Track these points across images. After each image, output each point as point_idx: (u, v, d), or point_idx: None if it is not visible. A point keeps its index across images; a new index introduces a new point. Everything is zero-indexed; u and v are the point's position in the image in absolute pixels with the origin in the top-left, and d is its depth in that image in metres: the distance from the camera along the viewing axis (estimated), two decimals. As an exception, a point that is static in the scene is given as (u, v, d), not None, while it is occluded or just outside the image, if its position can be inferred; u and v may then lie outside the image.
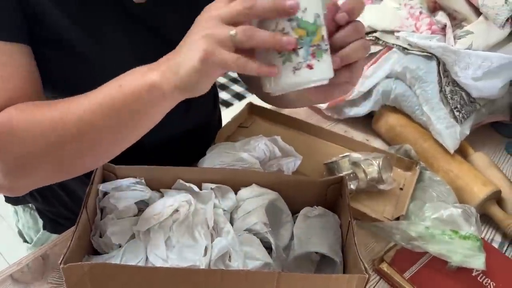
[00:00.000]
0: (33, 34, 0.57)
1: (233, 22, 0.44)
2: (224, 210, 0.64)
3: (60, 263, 0.49)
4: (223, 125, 0.89)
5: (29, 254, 0.65)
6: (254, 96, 0.83)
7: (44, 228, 0.81)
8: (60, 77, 0.61)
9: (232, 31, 0.43)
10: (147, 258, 0.56)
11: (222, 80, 2.52)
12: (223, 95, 2.46)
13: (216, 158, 0.72)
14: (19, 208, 0.83)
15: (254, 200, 0.64)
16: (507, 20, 0.82)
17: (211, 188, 0.65)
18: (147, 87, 0.48)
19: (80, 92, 0.55)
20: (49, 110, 0.51)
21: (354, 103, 0.93)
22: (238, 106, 2.01)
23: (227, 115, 0.92)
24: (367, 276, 0.51)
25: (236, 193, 0.66)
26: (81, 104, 0.50)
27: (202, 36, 0.44)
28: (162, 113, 0.52)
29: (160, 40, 0.64)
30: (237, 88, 2.53)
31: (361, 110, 0.92)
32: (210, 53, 0.43)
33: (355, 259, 0.54)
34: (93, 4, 0.58)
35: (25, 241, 0.87)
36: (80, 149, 0.52)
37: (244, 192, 0.65)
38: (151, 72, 0.48)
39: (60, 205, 0.78)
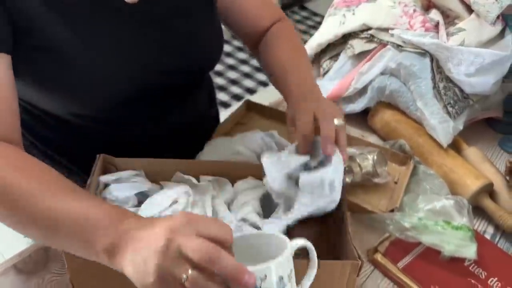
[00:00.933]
0: (21, 42, 0.57)
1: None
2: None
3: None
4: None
5: (31, 246, 0.67)
6: (252, 96, 0.84)
7: None
8: (47, 77, 0.61)
9: (185, 274, 0.39)
10: None
11: (221, 81, 2.54)
12: (222, 96, 2.48)
13: (214, 151, 0.74)
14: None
15: (249, 192, 0.66)
16: (497, 17, 0.84)
17: (209, 181, 0.66)
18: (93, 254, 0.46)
19: (65, 91, 0.57)
20: (15, 193, 0.48)
21: (349, 99, 0.95)
22: (237, 107, 2.01)
23: (226, 116, 0.93)
24: (360, 262, 0.53)
25: (233, 185, 0.67)
26: (43, 202, 0.47)
27: (158, 262, 0.39)
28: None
29: (151, 42, 0.65)
30: (235, 89, 2.55)
31: (357, 106, 0.94)
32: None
33: (349, 246, 0.56)
34: (84, 7, 0.59)
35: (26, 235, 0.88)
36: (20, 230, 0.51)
37: (240, 184, 0.67)
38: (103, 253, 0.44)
39: None
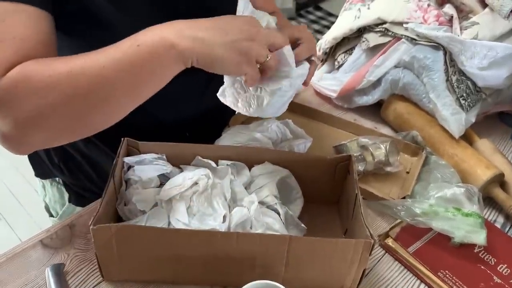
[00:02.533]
0: (58, 8, 0.58)
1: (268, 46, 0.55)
2: None
3: (90, 224, 0.54)
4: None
5: (57, 224, 0.71)
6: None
7: (70, 201, 0.86)
8: (83, 45, 0.62)
9: (268, 55, 0.54)
10: (169, 223, 0.61)
11: None
12: None
13: (232, 138, 0.76)
14: (47, 182, 0.88)
15: (266, 176, 0.69)
16: (511, 11, 0.85)
17: (227, 165, 0.69)
18: (167, 47, 0.52)
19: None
20: (65, 63, 0.52)
21: (363, 92, 0.97)
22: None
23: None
24: (372, 241, 0.55)
25: (250, 170, 0.70)
26: (98, 60, 0.52)
27: (246, 40, 0.53)
28: (173, 75, 0.56)
29: (182, 9, 0.67)
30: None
31: (370, 98, 0.96)
32: (245, 62, 0.53)
33: (361, 226, 0.58)
34: None
35: (51, 215, 0.92)
36: (92, 104, 0.54)
37: (257, 168, 0.70)
38: (173, 37, 0.52)
39: (86, 178, 0.83)
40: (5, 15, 0.53)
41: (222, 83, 0.87)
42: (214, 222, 0.60)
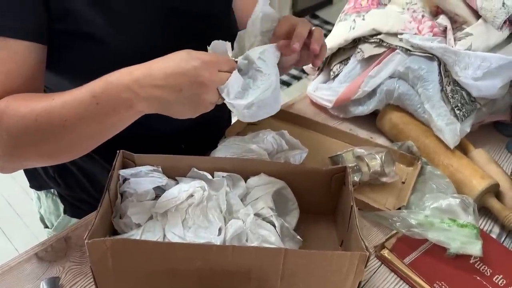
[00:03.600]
0: (55, 27, 0.60)
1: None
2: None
3: (85, 238, 0.54)
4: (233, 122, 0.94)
5: (52, 236, 0.71)
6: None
7: (65, 212, 0.86)
8: (79, 63, 0.65)
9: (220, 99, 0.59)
10: (164, 236, 0.61)
11: None
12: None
13: (228, 149, 0.77)
14: (42, 194, 0.88)
15: (262, 188, 0.69)
16: (504, 22, 0.86)
17: (223, 176, 0.69)
18: (126, 107, 0.56)
19: (95, 76, 0.60)
20: (32, 109, 0.57)
21: (359, 102, 0.97)
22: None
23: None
24: (368, 254, 0.55)
25: (245, 181, 0.70)
26: (61, 113, 0.56)
27: (198, 93, 0.56)
28: (133, 121, 0.61)
29: (178, 30, 0.69)
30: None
31: (366, 109, 0.96)
32: (201, 109, 0.59)
33: (357, 238, 0.58)
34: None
35: (46, 226, 0.92)
36: (58, 147, 0.60)
37: (253, 180, 0.70)
38: (132, 97, 0.55)
39: (81, 190, 0.83)
40: None
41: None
42: (209, 235, 0.60)
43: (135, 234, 0.61)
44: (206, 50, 0.61)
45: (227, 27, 0.79)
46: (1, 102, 0.58)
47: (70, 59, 0.64)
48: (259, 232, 0.62)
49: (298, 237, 0.66)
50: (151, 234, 0.61)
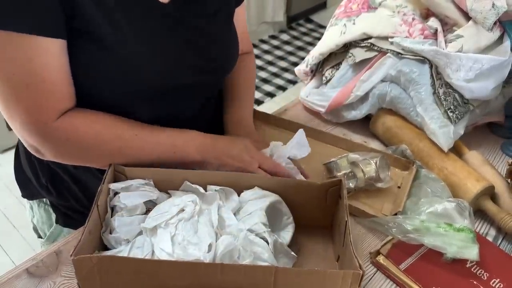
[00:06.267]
0: (69, 26, 0.61)
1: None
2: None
3: (71, 255, 0.53)
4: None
5: (43, 251, 0.70)
6: (260, 106, 0.88)
7: (57, 222, 0.85)
8: (85, 63, 0.65)
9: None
10: (153, 252, 0.60)
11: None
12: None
13: None
14: (34, 203, 0.87)
15: (256, 202, 0.67)
16: (495, 23, 0.85)
17: (216, 190, 0.68)
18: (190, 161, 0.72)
19: (100, 76, 0.65)
20: (114, 133, 0.67)
21: (351, 106, 0.96)
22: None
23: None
24: (361, 272, 0.54)
25: (239, 195, 0.69)
26: (141, 146, 0.69)
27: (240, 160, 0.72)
28: None
29: (180, 41, 0.70)
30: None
31: (359, 113, 0.96)
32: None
33: (351, 256, 0.57)
34: (125, 3, 0.64)
35: (39, 236, 0.91)
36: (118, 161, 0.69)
37: (246, 194, 0.68)
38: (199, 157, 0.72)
39: (73, 199, 0.82)
40: (31, 52, 0.59)
41: (216, 102, 0.88)
42: (198, 252, 0.58)
43: (124, 250, 0.60)
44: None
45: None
46: (74, 119, 0.66)
47: (83, 58, 0.66)
48: (252, 249, 0.60)
49: (292, 253, 0.64)
50: (139, 250, 0.60)
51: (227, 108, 0.87)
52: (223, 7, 0.77)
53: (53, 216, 0.86)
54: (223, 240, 0.60)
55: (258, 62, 2.90)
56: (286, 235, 0.68)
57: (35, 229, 0.92)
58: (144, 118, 0.72)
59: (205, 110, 0.83)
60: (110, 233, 0.63)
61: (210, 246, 0.59)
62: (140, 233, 0.63)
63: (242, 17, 0.88)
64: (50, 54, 0.60)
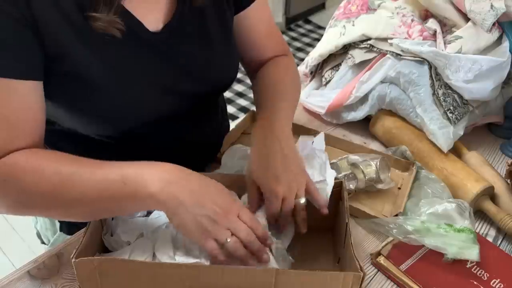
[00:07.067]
0: (52, 67, 0.60)
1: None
2: None
3: (72, 257, 0.53)
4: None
5: (45, 253, 0.70)
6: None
7: (61, 229, 0.85)
8: (76, 101, 0.64)
9: (229, 238, 0.56)
10: (154, 255, 0.60)
11: (228, 94, 2.58)
12: (229, 108, 2.52)
13: (234, 153, 0.80)
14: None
15: None
16: (494, 24, 0.86)
17: None
18: (146, 196, 0.55)
19: (92, 114, 0.62)
20: (53, 174, 0.56)
21: (351, 108, 0.97)
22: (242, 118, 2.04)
23: (232, 127, 0.96)
24: (362, 274, 0.54)
25: (240, 198, 0.69)
26: (82, 186, 0.56)
27: (210, 220, 0.55)
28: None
29: (173, 68, 0.69)
30: (242, 102, 2.59)
31: (358, 114, 0.96)
32: (204, 238, 0.56)
33: (351, 258, 0.57)
34: (116, 40, 0.61)
35: (43, 242, 0.91)
36: (69, 212, 0.60)
37: (247, 197, 0.68)
38: (157, 191, 0.55)
39: None
40: None
41: (217, 110, 0.88)
42: (200, 254, 0.58)
43: (124, 253, 0.60)
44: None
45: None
46: (17, 157, 0.57)
47: (66, 93, 0.64)
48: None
49: (290, 257, 0.64)
50: (140, 252, 0.59)
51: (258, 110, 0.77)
52: (219, 28, 0.73)
53: (57, 223, 0.86)
54: None
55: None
56: (285, 238, 0.68)
57: (39, 235, 0.92)
58: (143, 142, 0.71)
59: (205, 124, 0.82)
60: (111, 236, 0.63)
61: None
62: (141, 235, 0.63)
63: (257, 17, 0.80)
64: (18, 94, 0.57)
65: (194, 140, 0.80)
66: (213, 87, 0.76)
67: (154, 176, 0.55)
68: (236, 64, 0.80)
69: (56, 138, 0.74)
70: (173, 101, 0.71)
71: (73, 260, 0.53)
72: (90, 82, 0.62)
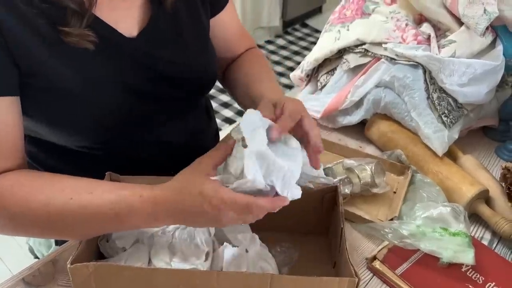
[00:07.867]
0: (27, 82, 0.59)
1: None
2: None
3: (68, 262, 0.53)
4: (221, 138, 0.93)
5: (40, 260, 0.69)
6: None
7: (56, 243, 0.84)
8: (53, 115, 0.64)
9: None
10: (149, 261, 0.60)
11: (225, 98, 2.58)
12: (226, 112, 2.52)
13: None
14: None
15: None
16: (487, 28, 0.86)
17: None
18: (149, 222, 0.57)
19: (70, 126, 0.62)
20: (45, 204, 0.56)
21: (346, 112, 0.97)
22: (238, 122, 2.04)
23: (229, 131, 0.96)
24: (357, 279, 0.54)
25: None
26: (73, 220, 0.56)
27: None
28: None
29: (150, 74, 0.68)
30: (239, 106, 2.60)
31: (354, 118, 0.96)
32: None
33: (346, 263, 0.57)
34: (98, 48, 0.61)
35: (36, 257, 0.90)
36: (61, 236, 0.63)
37: None
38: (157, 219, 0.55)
39: None
40: None
41: (200, 112, 0.88)
42: (196, 260, 0.59)
43: (119, 259, 0.60)
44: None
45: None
46: (4, 181, 0.57)
47: (44, 107, 0.63)
48: (259, 264, 0.61)
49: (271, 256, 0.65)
50: (135, 258, 0.60)
51: (253, 92, 0.75)
52: (195, 32, 0.73)
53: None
54: (227, 252, 0.60)
55: (254, 68, 2.91)
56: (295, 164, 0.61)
57: (31, 251, 0.91)
58: (125, 148, 0.71)
59: (188, 127, 0.82)
60: (107, 241, 0.63)
61: (207, 254, 0.59)
62: (137, 241, 0.63)
63: (230, 19, 0.83)
64: None
65: (181, 142, 0.80)
66: (193, 89, 0.76)
67: (144, 211, 0.55)
68: (215, 64, 0.80)
69: (43, 155, 0.75)
70: (154, 106, 0.71)
71: (68, 265, 0.53)
72: (66, 94, 0.61)
